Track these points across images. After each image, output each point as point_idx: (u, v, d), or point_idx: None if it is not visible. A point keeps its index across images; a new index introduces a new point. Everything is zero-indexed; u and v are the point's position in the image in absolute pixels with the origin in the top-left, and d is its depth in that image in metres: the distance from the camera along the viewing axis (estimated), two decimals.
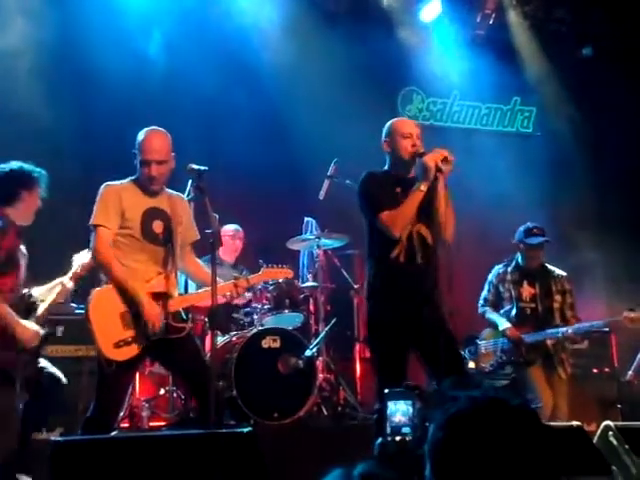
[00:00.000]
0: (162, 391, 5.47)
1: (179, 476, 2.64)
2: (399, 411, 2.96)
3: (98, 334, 3.55)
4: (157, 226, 3.75)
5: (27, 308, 3.94)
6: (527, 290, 5.19)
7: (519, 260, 5.27)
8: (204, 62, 6.74)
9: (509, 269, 5.28)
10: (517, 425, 1.34)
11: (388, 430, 2.47)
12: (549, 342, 5.06)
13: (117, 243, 3.70)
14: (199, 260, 4.09)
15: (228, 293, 3.97)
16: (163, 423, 5.31)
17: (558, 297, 5.19)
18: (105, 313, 3.59)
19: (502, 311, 5.23)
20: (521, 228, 5.25)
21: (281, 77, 6.97)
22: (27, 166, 4.01)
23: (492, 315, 5.27)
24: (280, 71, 6.96)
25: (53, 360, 4.67)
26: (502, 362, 5.21)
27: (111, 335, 3.55)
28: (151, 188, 3.77)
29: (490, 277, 5.37)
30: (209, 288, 3.66)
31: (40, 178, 4.03)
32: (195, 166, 3.77)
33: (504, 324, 5.14)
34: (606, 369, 6.04)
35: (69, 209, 5.61)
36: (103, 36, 6.40)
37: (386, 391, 3.29)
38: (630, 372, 6.11)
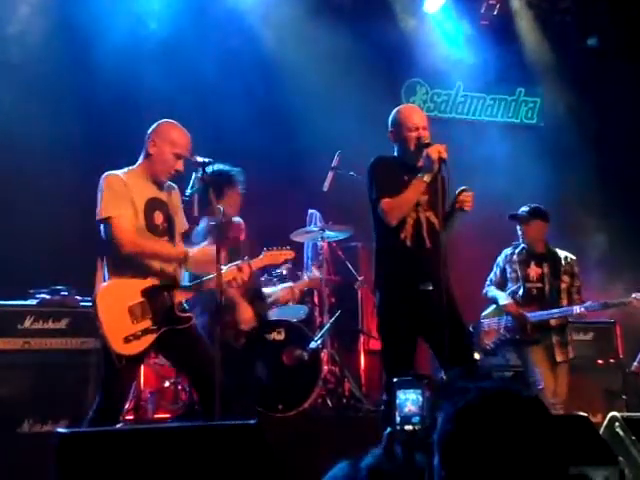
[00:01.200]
0: (167, 383, 5.47)
1: (185, 468, 2.64)
2: (408, 400, 2.95)
3: (107, 330, 3.52)
4: (157, 217, 3.74)
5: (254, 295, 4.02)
6: (534, 270, 5.17)
7: (525, 242, 5.25)
8: (206, 53, 6.73)
9: (517, 250, 5.26)
10: (526, 417, 1.34)
11: (397, 419, 2.47)
12: (553, 323, 5.04)
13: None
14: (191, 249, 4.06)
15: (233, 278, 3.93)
16: (168, 415, 5.32)
17: (566, 278, 5.16)
18: (112, 308, 3.56)
19: (508, 290, 5.21)
20: (526, 209, 5.22)
21: (285, 68, 6.96)
22: (225, 166, 4.64)
23: (494, 292, 5.25)
24: (284, 62, 6.95)
25: (59, 352, 4.70)
26: (505, 340, 5.19)
27: (120, 330, 3.53)
28: (163, 180, 3.77)
29: (498, 259, 5.36)
30: (211, 275, 3.69)
31: (237, 176, 4.78)
32: (200, 158, 3.77)
33: (505, 299, 5.13)
34: (611, 360, 6.04)
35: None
36: (103, 22, 6.41)
37: (395, 380, 3.28)
38: (635, 363, 6.10)
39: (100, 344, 3.64)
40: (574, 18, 8.06)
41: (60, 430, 2.67)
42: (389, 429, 3.40)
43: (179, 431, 2.99)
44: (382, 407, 3.92)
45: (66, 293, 4.92)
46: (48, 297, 4.86)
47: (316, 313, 5.94)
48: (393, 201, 3.82)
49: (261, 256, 4.12)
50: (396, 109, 4.13)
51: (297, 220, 6.19)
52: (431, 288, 3.82)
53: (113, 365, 3.52)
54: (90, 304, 3.72)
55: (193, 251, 3.74)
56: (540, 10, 7.98)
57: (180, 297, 3.74)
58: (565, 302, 5.11)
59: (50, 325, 4.73)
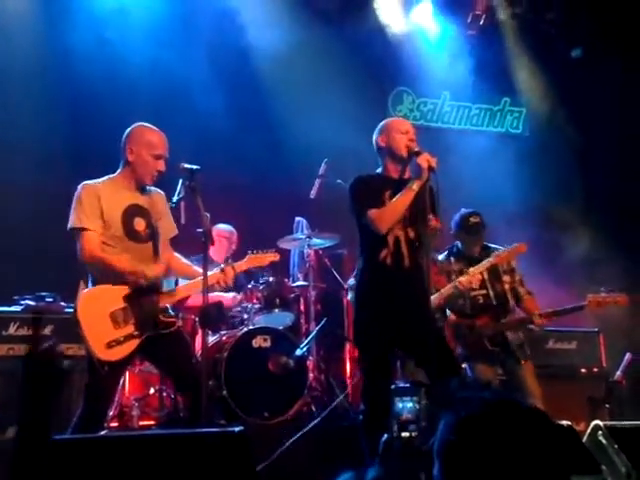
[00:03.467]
0: (152, 390, 5.45)
1: (170, 475, 2.64)
2: (405, 407, 2.96)
3: (89, 336, 3.52)
4: (138, 223, 3.74)
5: None
6: (475, 277, 4.98)
7: (459, 247, 5.13)
8: (192, 60, 6.74)
9: (452, 258, 5.12)
10: (528, 427, 1.34)
11: (394, 426, 2.48)
12: (509, 335, 4.90)
13: (104, 245, 3.66)
14: (179, 255, 4.06)
15: (217, 284, 3.92)
16: (153, 422, 5.30)
17: (507, 277, 5.04)
18: (94, 314, 3.55)
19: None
20: (457, 216, 5.11)
21: (272, 77, 6.98)
22: None
23: None
24: (271, 71, 6.96)
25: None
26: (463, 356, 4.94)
27: (102, 336, 3.52)
28: (148, 183, 3.79)
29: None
30: (196, 279, 3.73)
31: None
32: (187, 165, 3.77)
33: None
34: (595, 369, 6.07)
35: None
36: (86, 25, 6.40)
37: (393, 388, 3.29)
38: (618, 372, 6.14)
39: (84, 350, 3.63)
40: (559, 30, 8.14)
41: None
42: (386, 436, 3.40)
43: (164, 438, 2.98)
44: (360, 417, 3.92)
45: (51, 300, 4.89)
46: (33, 303, 4.83)
47: (302, 320, 5.94)
48: (381, 210, 3.81)
49: (245, 259, 4.11)
50: (384, 120, 4.16)
51: (284, 227, 6.20)
52: (409, 308, 3.81)
53: (96, 371, 3.51)
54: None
55: (154, 272, 3.69)
56: (525, 21, 8.06)
57: (164, 302, 3.73)
58: (512, 302, 5.00)
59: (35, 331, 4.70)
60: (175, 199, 4.26)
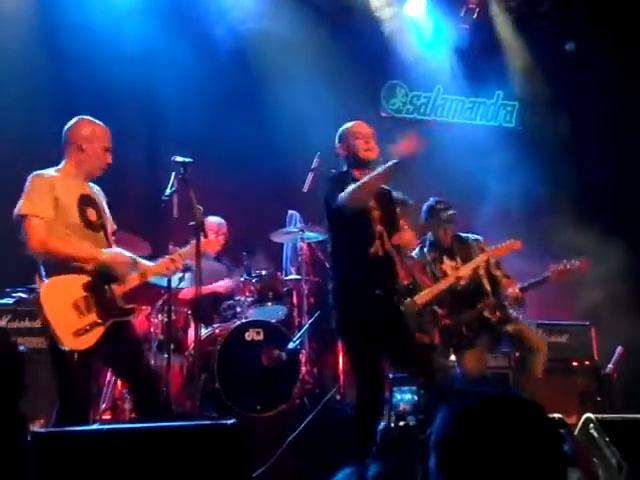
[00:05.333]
0: None
1: (162, 468, 2.63)
2: (403, 397, 2.98)
3: (56, 327, 3.48)
4: (91, 213, 3.76)
5: None
6: (449, 265, 5.04)
7: (431, 238, 5.13)
8: (186, 55, 6.70)
9: (425, 250, 5.14)
10: (526, 421, 1.34)
11: (392, 416, 2.49)
12: (486, 313, 4.91)
13: (60, 233, 3.62)
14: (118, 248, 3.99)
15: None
16: None
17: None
18: (58, 304, 3.53)
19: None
20: (425, 207, 5.10)
21: (264, 70, 6.95)
22: None
23: None
24: (263, 64, 6.94)
25: (34, 351, 4.66)
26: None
27: (69, 325, 3.50)
28: (97, 174, 3.82)
29: None
30: (138, 270, 3.75)
31: None
32: (179, 158, 3.76)
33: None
34: (586, 362, 6.10)
35: None
36: (80, 19, 6.36)
37: (391, 377, 3.29)
38: (610, 365, 6.17)
39: (48, 346, 3.58)
40: (553, 23, 8.14)
41: (36, 429, 2.66)
42: (383, 425, 3.40)
43: (156, 431, 2.98)
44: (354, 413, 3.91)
45: None
46: (25, 296, 4.82)
47: (295, 314, 5.93)
48: (352, 187, 3.78)
49: (188, 246, 3.98)
50: (341, 127, 4.27)
51: (277, 221, 6.19)
52: (385, 294, 3.84)
53: (66, 363, 3.49)
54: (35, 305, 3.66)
55: (107, 253, 3.68)
56: (519, 14, 8.05)
57: (121, 289, 3.71)
58: (488, 287, 4.98)
59: (26, 324, 4.69)
60: (168, 192, 4.25)
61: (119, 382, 5.30)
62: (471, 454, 1.31)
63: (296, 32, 7.00)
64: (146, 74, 6.54)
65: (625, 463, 2.80)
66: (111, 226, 3.95)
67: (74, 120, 3.85)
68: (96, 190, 3.91)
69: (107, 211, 3.93)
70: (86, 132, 3.80)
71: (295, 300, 5.99)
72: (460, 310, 4.92)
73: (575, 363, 6.10)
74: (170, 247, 4.29)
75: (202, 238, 3.84)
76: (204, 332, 5.38)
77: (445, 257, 5.07)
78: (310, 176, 5.77)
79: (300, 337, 5.58)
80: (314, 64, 7.10)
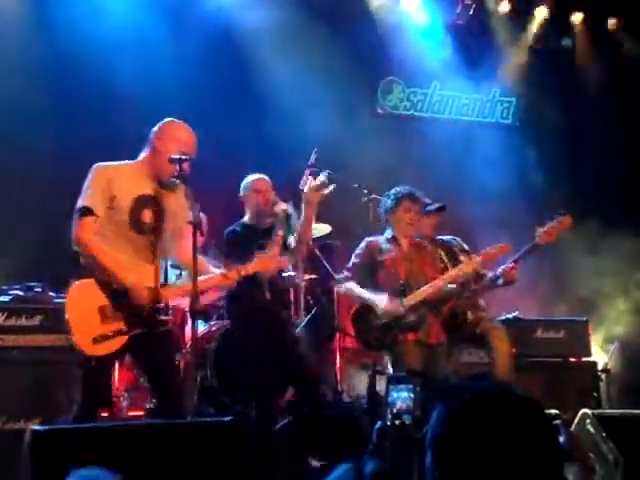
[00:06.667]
0: (142, 380, 5.44)
1: (160, 465, 2.64)
2: (399, 396, 2.97)
3: (75, 330, 3.45)
4: (146, 215, 3.62)
5: None
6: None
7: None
8: (182, 51, 6.69)
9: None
10: (523, 417, 1.34)
11: (388, 415, 2.49)
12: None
13: (103, 231, 3.54)
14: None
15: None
16: (142, 412, 5.29)
17: (463, 257, 4.99)
18: (83, 307, 3.48)
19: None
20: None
21: (262, 67, 6.94)
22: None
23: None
24: (261, 62, 6.93)
25: (32, 349, 4.66)
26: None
27: (89, 330, 3.45)
28: (165, 178, 3.65)
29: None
30: (202, 278, 3.64)
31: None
32: (176, 155, 3.74)
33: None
34: (583, 358, 6.11)
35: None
36: (78, 15, 6.35)
37: (389, 376, 3.27)
38: (607, 361, 6.19)
39: (69, 345, 3.54)
40: (549, 18, 8.15)
41: (33, 427, 2.66)
42: (379, 423, 3.40)
43: (153, 428, 2.98)
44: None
45: (40, 290, 4.87)
46: (21, 294, 4.81)
47: (292, 311, 5.93)
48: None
49: (252, 262, 3.91)
50: (245, 179, 4.70)
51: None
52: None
53: (82, 366, 3.48)
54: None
55: (131, 282, 3.51)
56: (515, 11, 8.06)
57: (161, 299, 3.60)
58: (472, 284, 4.89)
59: (23, 322, 4.68)
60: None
61: (116, 379, 5.31)
62: (467, 451, 1.31)
63: (292, 29, 6.99)
64: (143, 69, 6.51)
65: (621, 458, 2.81)
66: (184, 227, 3.68)
67: (164, 120, 3.74)
68: (176, 190, 3.71)
69: (182, 212, 3.66)
70: (167, 131, 3.69)
71: (292, 297, 5.98)
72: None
73: (572, 359, 6.11)
74: (212, 250, 4.30)
75: (199, 236, 3.82)
76: (200, 329, 5.38)
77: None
78: (307, 172, 5.77)
79: None
80: (311, 61, 7.10)
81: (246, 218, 4.67)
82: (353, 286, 4.80)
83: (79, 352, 3.45)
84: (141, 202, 3.62)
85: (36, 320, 4.70)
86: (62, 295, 4.96)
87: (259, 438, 4.14)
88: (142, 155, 3.73)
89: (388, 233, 4.90)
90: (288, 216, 4.36)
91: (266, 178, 4.70)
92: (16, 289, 4.84)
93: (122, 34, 6.44)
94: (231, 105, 6.73)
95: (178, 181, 3.68)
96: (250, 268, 3.88)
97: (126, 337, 3.53)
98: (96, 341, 3.45)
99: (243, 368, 4.39)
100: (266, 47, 6.88)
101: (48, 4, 6.43)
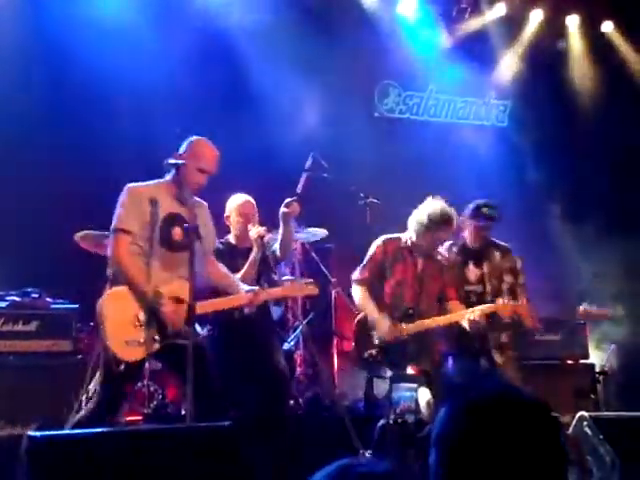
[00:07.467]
0: (139, 385, 5.43)
1: (158, 470, 2.63)
2: (402, 395, 2.97)
3: (110, 330, 3.50)
4: (176, 233, 3.72)
5: None
6: (473, 272, 4.85)
7: (466, 239, 4.90)
8: (175, 54, 6.67)
9: (454, 249, 4.91)
10: (530, 418, 1.33)
11: (390, 413, 2.49)
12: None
13: (136, 248, 3.64)
14: (223, 267, 4.05)
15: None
16: (140, 417, 5.28)
17: (508, 277, 4.84)
18: (120, 310, 3.55)
19: None
20: (471, 205, 4.88)
21: (258, 71, 6.94)
22: None
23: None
24: (257, 65, 6.93)
25: (29, 355, 4.65)
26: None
27: (123, 333, 3.51)
28: (187, 196, 3.77)
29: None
30: (227, 297, 3.87)
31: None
32: (172, 160, 3.76)
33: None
34: (580, 360, 6.11)
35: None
36: (75, 24, 6.34)
37: (391, 375, 3.25)
38: (604, 363, 6.19)
39: (100, 347, 3.60)
40: (544, 21, 8.16)
41: (30, 433, 2.65)
42: (382, 421, 3.39)
43: (151, 433, 2.98)
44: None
45: (37, 295, 4.88)
46: (18, 299, 4.81)
47: (289, 315, 5.94)
48: None
49: (282, 286, 4.13)
50: (231, 200, 4.80)
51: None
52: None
53: (111, 369, 3.49)
54: (61, 307, 3.67)
55: (152, 296, 3.59)
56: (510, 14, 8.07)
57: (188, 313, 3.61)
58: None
59: (20, 327, 4.68)
60: None
61: None
62: (471, 450, 1.30)
63: (289, 32, 6.99)
64: (136, 71, 6.50)
65: (618, 460, 2.81)
66: (211, 244, 3.99)
67: (190, 138, 3.88)
68: (198, 208, 3.85)
69: (207, 229, 3.90)
70: (188, 151, 3.82)
71: (290, 301, 5.99)
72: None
73: (569, 361, 6.12)
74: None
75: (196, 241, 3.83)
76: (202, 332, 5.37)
77: (471, 262, 4.87)
78: (304, 176, 5.77)
79: (295, 338, 5.57)
80: (307, 64, 7.10)
81: (230, 236, 4.73)
82: (363, 295, 4.67)
83: (110, 355, 3.48)
84: (171, 220, 3.72)
85: (33, 326, 4.71)
86: (59, 301, 4.99)
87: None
88: (170, 174, 3.83)
89: (407, 238, 4.70)
90: (264, 242, 4.40)
91: (251, 200, 4.77)
92: (13, 295, 4.84)
93: (114, 37, 6.44)
94: (227, 109, 6.74)
95: (198, 200, 3.88)
96: (278, 292, 4.15)
97: (157, 346, 3.59)
98: (128, 344, 3.50)
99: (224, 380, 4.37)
100: (263, 50, 6.87)
101: (41, 6, 6.42)
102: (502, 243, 4.96)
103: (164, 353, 3.68)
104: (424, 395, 4.09)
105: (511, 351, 4.84)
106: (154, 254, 3.65)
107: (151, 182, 3.82)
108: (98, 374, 3.65)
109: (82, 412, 3.59)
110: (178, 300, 3.65)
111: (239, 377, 4.40)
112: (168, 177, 3.83)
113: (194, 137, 3.90)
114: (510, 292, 4.78)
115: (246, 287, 3.99)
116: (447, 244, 4.91)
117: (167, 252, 3.69)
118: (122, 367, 3.48)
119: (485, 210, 4.83)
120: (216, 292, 4.03)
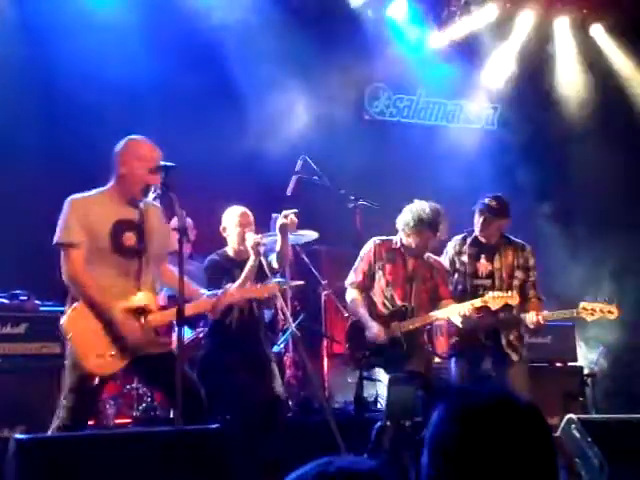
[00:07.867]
0: (127, 388, 5.41)
1: (147, 473, 2.63)
2: (398, 397, 2.97)
3: (80, 349, 3.46)
4: (128, 238, 3.63)
5: None
6: (483, 265, 4.80)
7: (478, 233, 4.85)
8: (167, 56, 6.66)
9: (468, 240, 4.88)
10: (522, 420, 1.34)
11: (386, 415, 2.48)
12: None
13: (87, 258, 3.56)
14: (172, 267, 3.97)
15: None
16: (129, 420, 5.27)
17: (520, 273, 4.79)
18: (85, 326, 3.49)
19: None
20: (485, 200, 4.86)
21: (247, 74, 6.93)
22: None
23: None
24: (247, 68, 6.92)
25: (17, 357, 4.63)
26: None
27: (93, 347, 3.47)
28: (139, 198, 3.69)
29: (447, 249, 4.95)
30: (194, 303, 3.78)
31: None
32: (162, 162, 3.74)
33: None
34: (569, 363, 6.13)
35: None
36: (64, 31, 6.31)
37: (389, 377, 3.25)
38: (592, 365, 6.22)
39: (70, 361, 3.54)
40: (534, 24, 8.19)
41: (17, 436, 2.64)
42: (379, 423, 3.38)
43: (140, 436, 2.97)
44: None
45: (25, 298, 4.85)
46: (6, 302, 4.79)
47: (279, 317, 5.93)
48: None
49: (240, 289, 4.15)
50: (227, 212, 4.66)
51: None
52: None
53: (84, 384, 3.45)
54: (50, 309, 3.65)
55: (116, 315, 3.54)
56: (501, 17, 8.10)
57: (156, 322, 3.66)
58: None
59: (8, 330, 4.66)
60: (151, 197, 4.23)
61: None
62: (464, 453, 1.31)
63: (279, 35, 6.98)
64: (124, 76, 6.48)
65: (606, 463, 2.82)
66: (166, 247, 3.85)
67: (122, 140, 3.74)
68: (150, 211, 3.76)
69: (160, 231, 3.78)
70: (130, 151, 3.69)
71: (279, 303, 5.97)
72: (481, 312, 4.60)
73: (558, 364, 6.13)
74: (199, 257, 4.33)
75: (185, 241, 3.82)
76: (187, 337, 5.36)
77: (483, 256, 4.82)
78: (294, 179, 5.78)
79: (284, 340, 5.57)
80: (297, 67, 7.10)
81: (228, 249, 4.67)
82: (355, 298, 4.80)
83: (84, 372, 3.44)
84: (120, 226, 3.63)
85: (21, 328, 4.69)
86: (48, 303, 4.97)
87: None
88: (111, 182, 3.73)
89: (398, 239, 4.76)
90: (259, 250, 4.34)
91: (248, 212, 4.67)
92: (1, 297, 4.81)
93: (101, 39, 6.42)
94: (213, 111, 6.72)
95: (153, 202, 3.78)
96: (238, 293, 4.12)
97: (128, 359, 3.55)
98: (99, 356, 3.46)
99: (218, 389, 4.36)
100: (252, 52, 6.86)
101: (31, 9, 6.40)
102: (517, 240, 4.92)
103: (137, 366, 3.64)
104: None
105: (525, 349, 4.84)
106: (107, 263, 3.58)
107: (93, 191, 3.71)
108: (67, 384, 3.53)
109: (56, 421, 3.52)
110: (141, 311, 3.58)
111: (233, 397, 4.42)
112: (112, 183, 3.71)
113: (131, 138, 3.75)
114: (520, 288, 4.74)
115: (207, 292, 3.94)
116: (460, 236, 4.93)
117: (120, 259, 3.61)
118: (95, 382, 3.46)
119: (492, 204, 4.82)
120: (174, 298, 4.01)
